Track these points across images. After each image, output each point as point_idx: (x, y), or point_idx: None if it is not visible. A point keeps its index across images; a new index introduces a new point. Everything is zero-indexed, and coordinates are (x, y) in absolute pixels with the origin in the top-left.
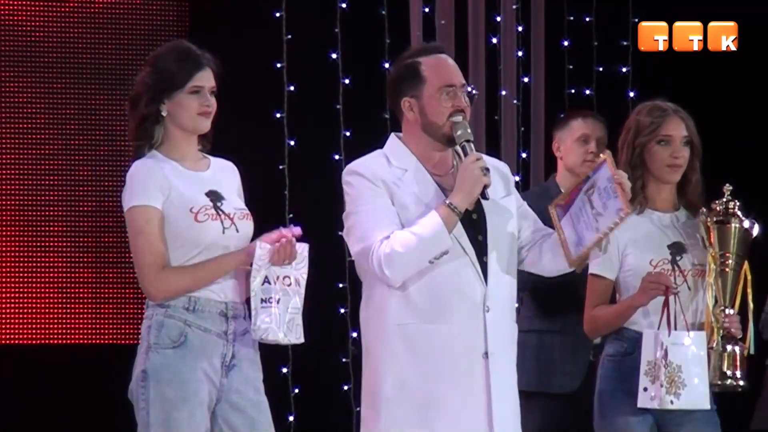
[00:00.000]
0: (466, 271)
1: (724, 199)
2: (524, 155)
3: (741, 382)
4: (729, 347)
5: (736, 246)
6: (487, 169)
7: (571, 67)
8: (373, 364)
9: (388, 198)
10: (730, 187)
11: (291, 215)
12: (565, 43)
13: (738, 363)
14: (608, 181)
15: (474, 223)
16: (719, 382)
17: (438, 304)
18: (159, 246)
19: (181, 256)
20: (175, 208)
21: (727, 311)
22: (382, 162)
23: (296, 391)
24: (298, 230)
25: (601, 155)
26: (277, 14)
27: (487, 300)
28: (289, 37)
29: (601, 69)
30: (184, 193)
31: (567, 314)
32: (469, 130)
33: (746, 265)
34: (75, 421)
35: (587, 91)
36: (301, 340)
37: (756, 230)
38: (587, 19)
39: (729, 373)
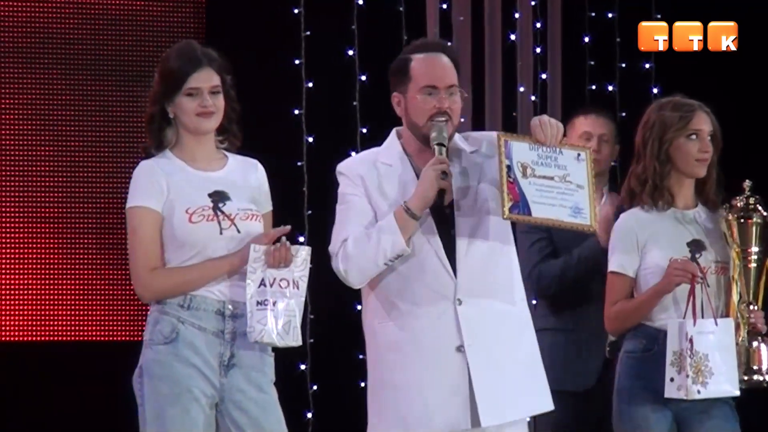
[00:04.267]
0: (433, 266)
1: (745, 195)
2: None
3: (767, 378)
4: (755, 343)
5: (758, 241)
6: (445, 174)
7: (592, 63)
8: (368, 362)
9: (364, 197)
10: (750, 183)
11: (309, 212)
12: (586, 39)
13: (764, 358)
14: (534, 149)
15: (447, 218)
16: (745, 378)
17: (410, 300)
18: (150, 247)
19: (178, 257)
20: (172, 209)
21: (751, 307)
22: (370, 159)
23: (314, 387)
24: (286, 228)
25: (499, 139)
26: (296, 11)
27: (458, 293)
28: (307, 33)
29: (624, 65)
30: (183, 194)
31: (580, 312)
32: (444, 134)
33: None
34: (93, 418)
35: (610, 87)
36: (299, 342)
37: None
38: (610, 15)
39: (755, 368)
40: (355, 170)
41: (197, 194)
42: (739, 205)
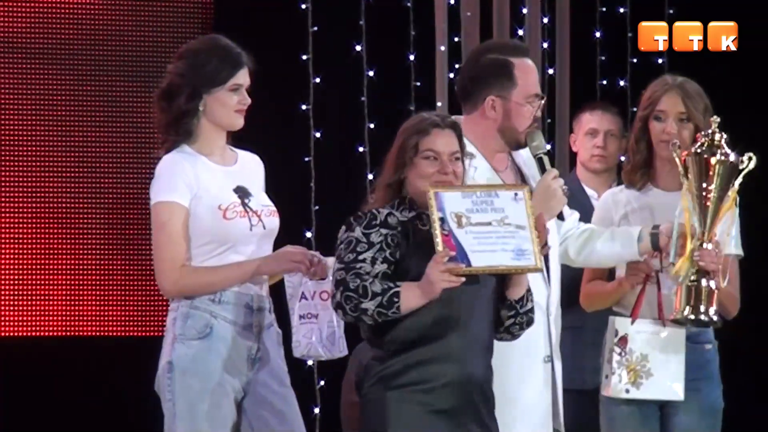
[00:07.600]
0: (536, 277)
1: (710, 131)
2: (549, 147)
3: (715, 318)
4: (703, 281)
5: (719, 180)
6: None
7: (603, 58)
8: None
9: None
10: (718, 119)
11: (317, 207)
12: (597, 35)
13: (713, 300)
14: (467, 197)
15: None
16: (692, 318)
17: None
18: (179, 243)
19: (208, 252)
20: (204, 205)
21: (704, 245)
22: None
23: (322, 383)
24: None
25: (429, 192)
26: (303, 6)
27: (550, 303)
28: (315, 29)
29: (635, 60)
30: (212, 190)
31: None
32: (543, 142)
33: (734, 194)
34: (101, 414)
35: (621, 82)
36: (345, 352)
37: (752, 163)
38: (621, 10)
39: (702, 309)
40: None
41: (224, 190)
42: (702, 140)
